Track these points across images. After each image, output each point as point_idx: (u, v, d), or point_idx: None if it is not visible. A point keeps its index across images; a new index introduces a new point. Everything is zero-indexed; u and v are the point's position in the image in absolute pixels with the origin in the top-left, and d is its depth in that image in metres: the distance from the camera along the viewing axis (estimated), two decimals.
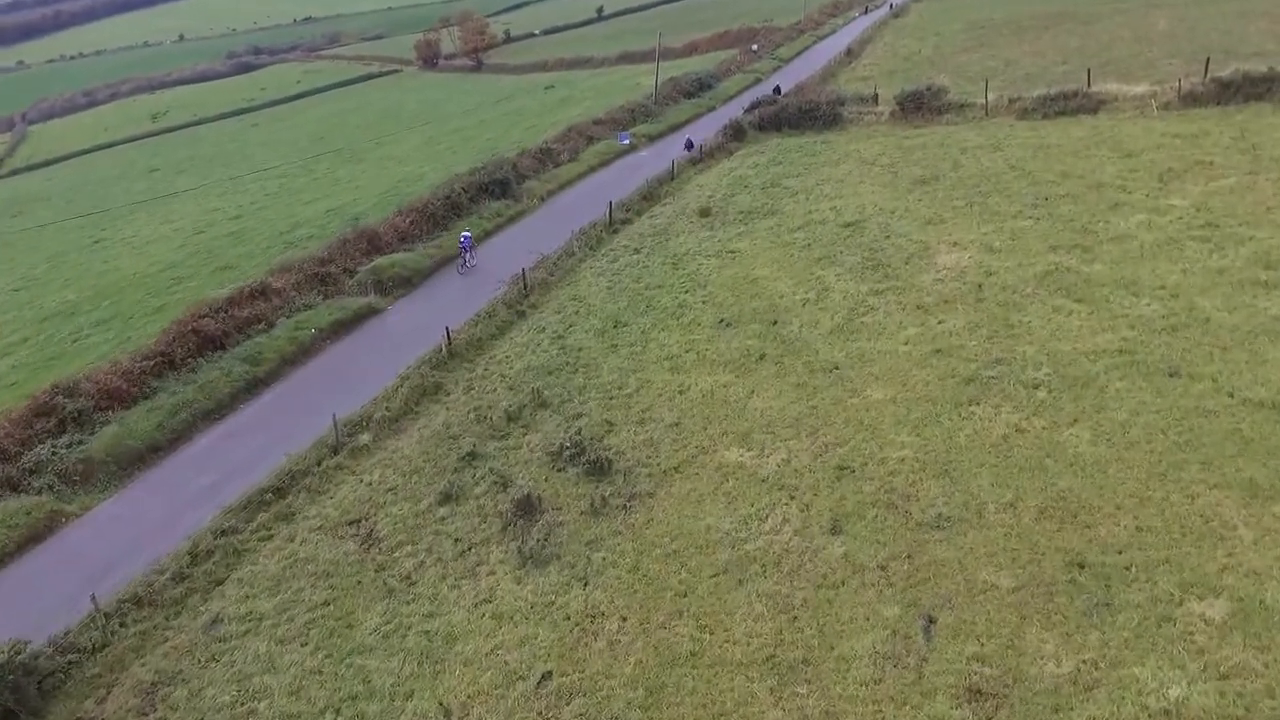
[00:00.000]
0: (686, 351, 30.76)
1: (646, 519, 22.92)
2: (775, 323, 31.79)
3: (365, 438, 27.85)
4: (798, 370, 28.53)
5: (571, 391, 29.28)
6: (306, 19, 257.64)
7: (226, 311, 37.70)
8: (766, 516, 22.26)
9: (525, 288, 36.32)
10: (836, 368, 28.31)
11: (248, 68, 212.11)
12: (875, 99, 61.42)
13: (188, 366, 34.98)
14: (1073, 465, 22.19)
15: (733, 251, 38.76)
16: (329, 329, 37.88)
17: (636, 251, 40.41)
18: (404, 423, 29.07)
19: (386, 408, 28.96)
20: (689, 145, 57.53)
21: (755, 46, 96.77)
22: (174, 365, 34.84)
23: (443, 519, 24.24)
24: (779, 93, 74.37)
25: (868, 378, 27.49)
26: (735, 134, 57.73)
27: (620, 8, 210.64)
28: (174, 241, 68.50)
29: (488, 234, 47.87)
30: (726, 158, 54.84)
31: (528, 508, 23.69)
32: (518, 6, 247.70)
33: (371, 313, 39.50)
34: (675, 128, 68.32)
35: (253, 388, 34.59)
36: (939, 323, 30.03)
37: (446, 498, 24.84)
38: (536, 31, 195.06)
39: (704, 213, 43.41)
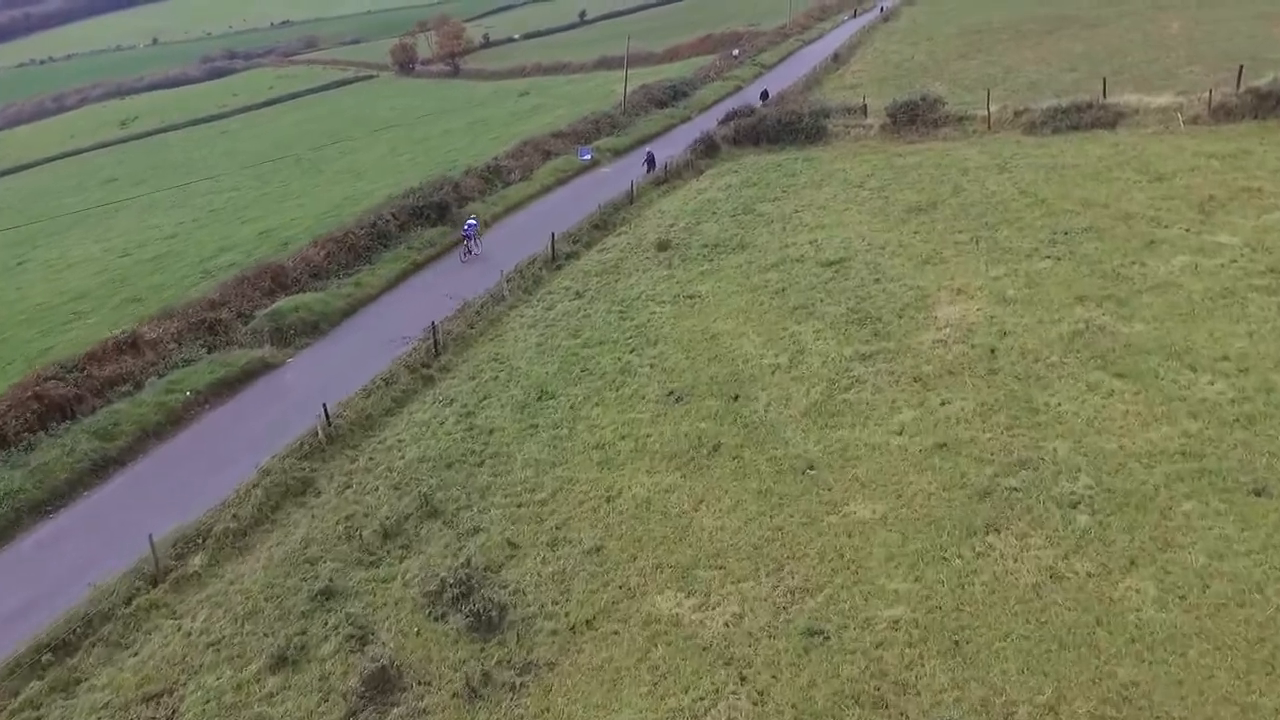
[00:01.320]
0: (623, 438, 24.13)
1: (540, 709, 16.28)
2: (737, 398, 25.19)
3: (197, 561, 21.19)
4: (761, 469, 21.92)
5: (472, 495, 22.61)
6: (284, 23, 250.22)
7: (83, 370, 31.03)
8: (706, 713, 15.63)
9: (436, 345, 29.62)
10: (811, 467, 21.71)
11: (222, 72, 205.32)
12: (864, 110, 54.90)
13: (21, 443, 28.29)
14: (1135, 641, 15.64)
15: (692, 297, 32.16)
16: (208, 390, 31.24)
17: (579, 296, 33.76)
18: (254, 537, 22.35)
19: (234, 516, 22.27)
20: (649, 163, 50.92)
21: (736, 52, 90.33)
22: (3, 442, 28.12)
23: (270, 696, 17.58)
24: (766, 98, 68.06)
25: (851, 484, 20.89)
26: (707, 150, 51.15)
27: (604, 12, 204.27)
28: (95, 266, 61.70)
29: (418, 266, 41.21)
30: (695, 177, 48.25)
31: (383, 684, 17.07)
32: (500, 10, 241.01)
33: (265, 368, 32.84)
34: (644, 140, 61.74)
35: (102, 469, 27.90)
36: (942, 403, 23.45)
37: (281, 661, 18.19)
38: (516, 36, 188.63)
39: (662, 246, 36.81)
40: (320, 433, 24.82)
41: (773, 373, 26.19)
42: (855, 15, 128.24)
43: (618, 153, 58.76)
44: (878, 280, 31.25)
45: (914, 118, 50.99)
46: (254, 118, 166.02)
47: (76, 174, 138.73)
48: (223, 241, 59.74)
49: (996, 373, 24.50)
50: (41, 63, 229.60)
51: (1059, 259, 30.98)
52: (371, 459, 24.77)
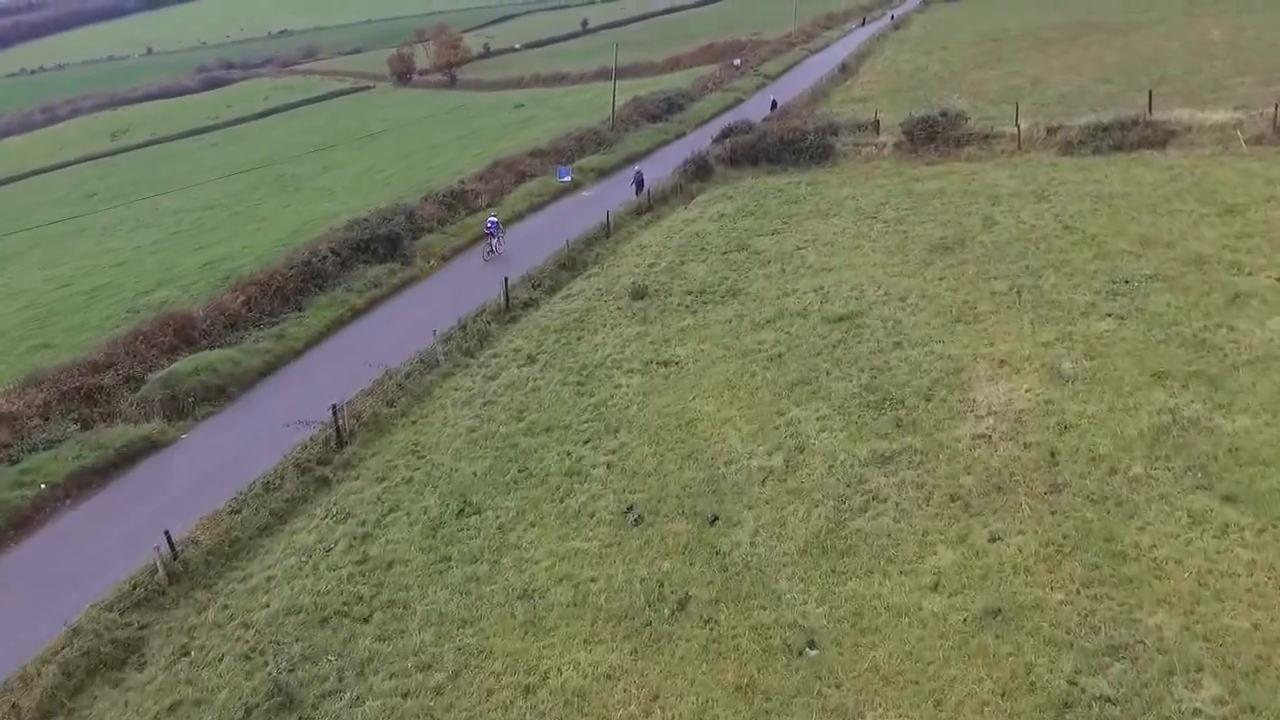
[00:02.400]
0: (560, 580, 17.76)
1: None
2: (715, 520, 18.78)
3: None
4: (741, 644, 15.54)
5: (345, 672, 16.24)
6: (282, 32, 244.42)
7: None
8: None
9: (339, 435, 23.22)
10: (811, 645, 15.32)
11: (218, 83, 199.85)
12: (876, 126, 48.49)
13: None
14: None
15: (668, 363, 25.76)
16: (69, 482, 24.98)
17: (530, 360, 27.37)
18: None
19: (13, 708, 15.88)
20: (638, 184, 44.58)
21: (737, 62, 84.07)
22: None
23: None
24: (775, 107, 61.82)
25: (867, 677, 14.51)
26: (698, 171, 44.81)
27: (606, 21, 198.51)
28: (26, 299, 55.53)
29: (357, 312, 34.92)
30: (684, 205, 41.88)
31: None
32: (502, 20, 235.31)
33: (149, 449, 26.53)
34: (632, 159, 55.42)
35: None
36: (991, 538, 17.04)
37: None
38: (518, 46, 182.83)
39: (638, 294, 30.44)
40: (160, 569, 18.45)
41: (764, 480, 19.77)
42: (864, 24, 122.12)
43: (602, 173, 52.46)
44: (898, 344, 24.81)
45: (933, 135, 44.60)
46: (247, 130, 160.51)
47: (58, 188, 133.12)
48: (165, 273, 53.63)
49: (1061, 490, 18.08)
50: (32, 72, 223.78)
51: (1123, 318, 24.55)
52: (226, 607, 18.38)
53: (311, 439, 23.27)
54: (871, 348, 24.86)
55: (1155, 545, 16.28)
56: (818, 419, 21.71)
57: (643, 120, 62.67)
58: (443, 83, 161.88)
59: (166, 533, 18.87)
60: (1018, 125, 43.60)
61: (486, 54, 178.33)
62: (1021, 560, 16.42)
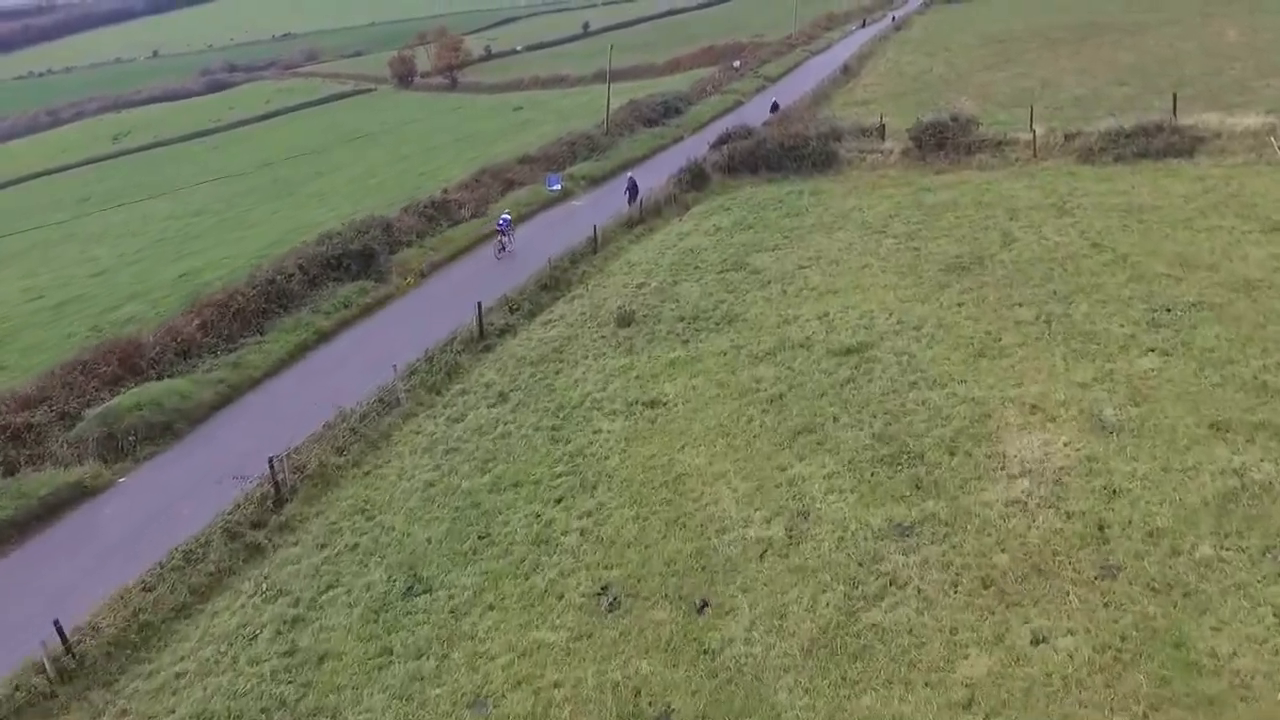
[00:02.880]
0: (518, 684, 14.61)
1: None
2: (704, 608, 15.63)
3: None
4: None
5: None
6: (285, 35, 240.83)
7: None
8: None
9: (278, 490, 20.03)
10: None
11: (221, 86, 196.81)
12: (882, 131, 45.24)
13: None
14: None
15: (655, 404, 22.56)
16: None
17: (502, 398, 24.16)
18: None
19: None
20: (631, 191, 41.28)
21: (737, 64, 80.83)
22: None
23: None
24: (776, 110, 58.62)
25: None
26: (694, 180, 41.59)
27: (608, 24, 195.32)
28: None
29: (323, 336, 31.80)
30: (678, 216, 38.67)
31: None
32: (504, 23, 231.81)
33: (80, 497, 23.40)
34: (627, 165, 52.12)
35: None
36: (1034, 641, 13.91)
37: None
38: (519, 48, 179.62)
39: (624, 320, 27.23)
40: (48, 666, 15.28)
41: (762, 555, 16.60)
42: (864, 25, 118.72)
43: (595, 181, 49.25)
44: (914, 384, 21.60)
45: (943, 142, 41.36)
46: (248, 132, 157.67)
47: (54, 192, 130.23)
48: (140, 285, 50.59)
49: (1115, 574, 14.92)
50: (40, 75, 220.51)
51: (1168, 354, 21.34)
52: (125, 714, 15.21)
53: (246, 497, 20.03)
54: (884, 387, 21.64)
55: (1235, 653, 13.12)
56: (824, 476, 18.52)
57: (639, 124, 59.44)
58: (443, 85, 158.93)
59: (56, 623, 15.67)
60: (1033, 131, 40.35)
61: (488, 56, 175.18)
62: (1073, 670, 13.27)
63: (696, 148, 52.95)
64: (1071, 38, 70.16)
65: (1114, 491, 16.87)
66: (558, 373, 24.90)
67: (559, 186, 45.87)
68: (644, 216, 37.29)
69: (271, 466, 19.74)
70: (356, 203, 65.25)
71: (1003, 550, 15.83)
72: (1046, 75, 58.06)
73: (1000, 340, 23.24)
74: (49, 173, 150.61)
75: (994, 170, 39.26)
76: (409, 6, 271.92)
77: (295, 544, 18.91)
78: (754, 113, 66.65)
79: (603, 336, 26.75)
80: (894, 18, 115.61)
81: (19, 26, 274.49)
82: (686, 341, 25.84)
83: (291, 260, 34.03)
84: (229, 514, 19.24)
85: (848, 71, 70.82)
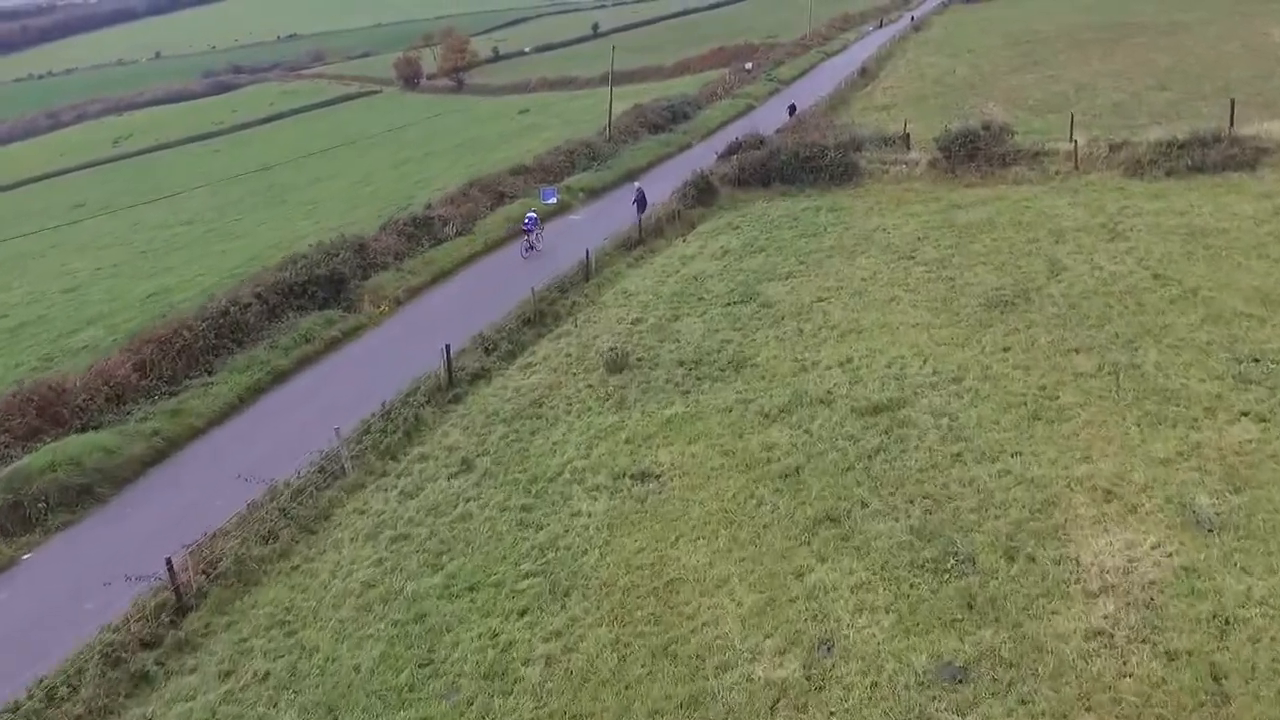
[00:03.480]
0: None
1: None
2: None
3: None
4: None
5: None
6: (291, 36, 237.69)
7: None
8: None
9: (180, 597, 16.31)
10: None
11: (225, 87, 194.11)
12: (906, 141, 41.39)
13: None
14: None
15: (646, 476, 18.81)
16: None
17: (467, 466, 20.40)
18: None
19: None
20: (639, 203, 37.62)
21: (749, 65, 77.02)
22: None
23: None
24: (794, 112, 55.05)
25: None
26: (700, 195, 37.86)
27: (617, 25, 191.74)
28: None
29: (279, 376, 28.18)
30: (682, 237, 34.92)
31: None
32: (512, 24, 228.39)
33: None
34: (630, 176, 48.50)
35: None
36: None
37: None
38: (527, 49, 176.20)
39: (615, 365, 23.48)
40: None
41: (773, 707, 12.84)
42: (881, 25, 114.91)
43: (594, 193, 45.57)
44: (958, 456, 17.80)
45: (974, 153, 37.50)
46: (251, 136, 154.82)
47: (51, 197, 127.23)
48: (108, 304, 47.12)
49: None
50: (40, 77, 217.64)
51: (1266, 420, 17.55)
52: None
53: (138, 607, 16.30)
54: (921, 460, 17.84)
55: None
56: (852, 588, 14.75)
57: (643, 131, 55.72)
58: (450, 87, 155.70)
59: None
60: (1074, 141, 36.41)
61: (496, 57, 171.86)
62: None
63: (705, 156, 49.28)
64: (1102, 38, 66.08)
65: (1226, 621, 13.08)
66: (534, 433, 21.16)
67: (555, 200, 42.22)
68: (643, 237, 33.55)
69: (170, 569, 16.01)
70: (347, 213, 61.87)
71: (1085, 709, 12.02)
72: (1079, 78, 54.07)
73: (1058, 398, 19.41)
74: (46, 177, 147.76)
75: (1031, 184, 35.41)
76: (416, 7, 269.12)
77: (193, 670, 15.18)
78: (767, 117, 62.93)
79: (590, 385, 22.99)
80: (912, 18, 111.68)
81: (18, 27, 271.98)
82: (687, 392, 22.08)
83: (249, 289, 30.42)
84: (114, 629, 15.49)
85: (866, 74, 66.94)
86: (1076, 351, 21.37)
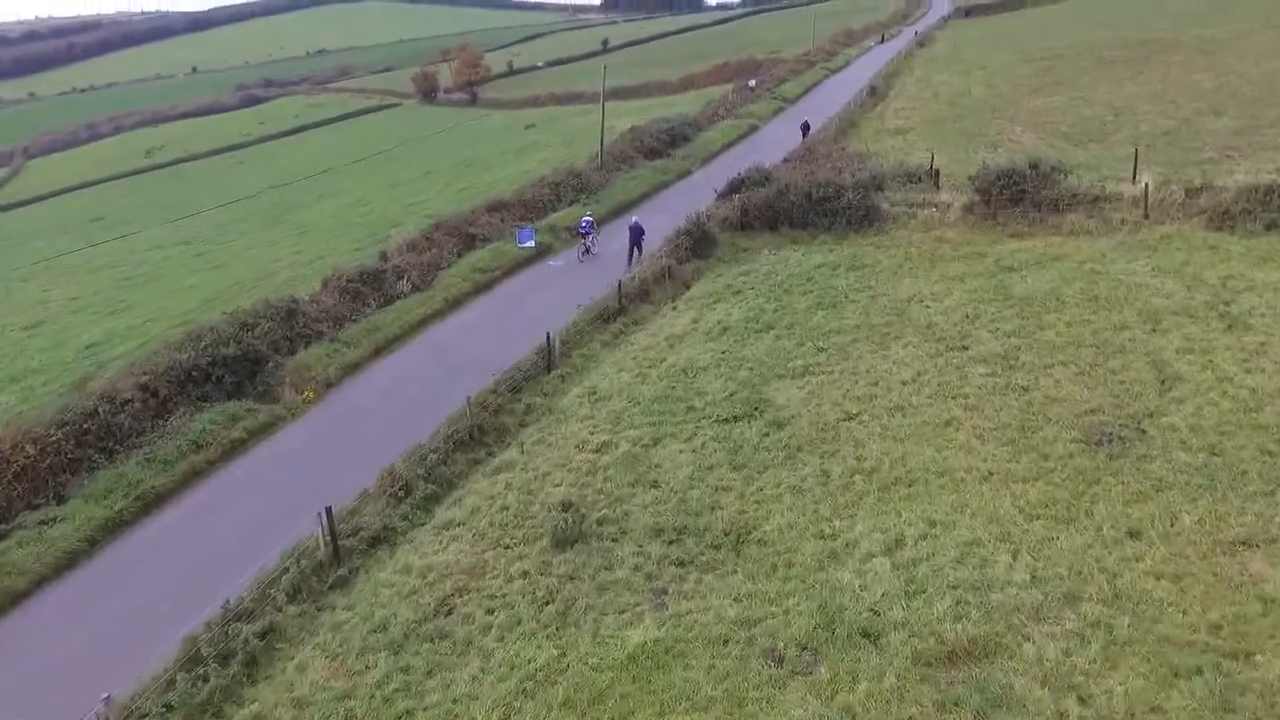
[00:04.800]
0: None
1: None
2: None
3: None
4: None
5: None
6: (319, 51, 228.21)
7: None
8: None
9: None
10: None
11: (254, 100, 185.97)
12: (935, 177, 32.67)
13: None
14: None
15: None
16: None
17: None
18: None
19: None
20: (634, 242, 29.63)
21: (752, 83, 68.14)
22: None
23: None
24: (807, 131, 46.82)
25: None
26: (696, 245, 29.28)
27: (626, 40, 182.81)
28: None
29: (150, 504, 19.78)
30: (672, 302, 26.32)
31: None
32: (528, 39, 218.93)
33: None
34: (621, 209, 39.98)
35: None
36: None
37: None
38: (540, 64, 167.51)
39: (565, 535, 15.01)
40: None
41: None
42: (883, 40, 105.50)
43: (578, 232, 36.81)
44: None
45: (1019, 196, 28.78)
46: (271, 148, 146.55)
47: (75, 209, 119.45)
48: (42, 355, 38.98)
49: None
50: (82, 91, 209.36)
51: None
52: None
53: None
54: None
55: None
56: None
57: (639, 156, 47.05)
58: (464, 101, 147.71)
59: None
60: (1144, 185, 27.58)
61: (511, 72, 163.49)
62: None
63: (704, 186, 40.85)
64: (1127, 56, 56.85)
65: None
66: (430, 674, 12.71)
67: (532, 243, 33.72)
68: (624, 304, 24.93)
69: None
70: (330, 241, 53.61)
71: None
72: (1112, 100, 45.06)
73: (1253, 656, 10.79)
74: (80, 187, 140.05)
75: (1093, 236, 26.71)
76: (437, 24, 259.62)
77: None
78: (772, 138, 54.23)
79: (525, 573, 14.50)
80: (916, 32, 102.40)
81: (64, 44, 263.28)
82: (663, 594, 13.60)
83: (130, 380, 22.10)
84: None
85: (875, 93, 57.93)
86: (1247, 546, 12.77)
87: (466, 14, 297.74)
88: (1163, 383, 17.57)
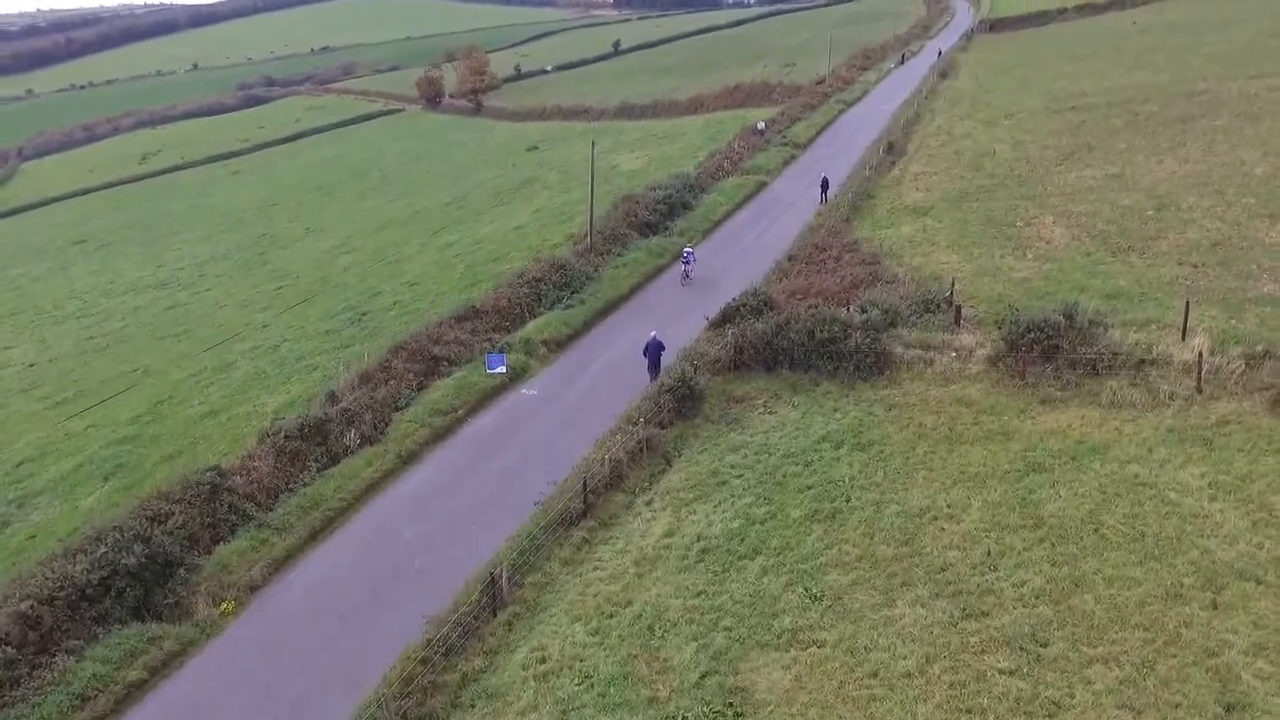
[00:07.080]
0: None
1: None
2: None
3: None
4: None
5: None
6: (324, 48, 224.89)
7: None
8: None
9: None
10: None
11: (256, 101, 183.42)
12: (957, 313, 29.41)
13: None
14: None
15: None
16: None
17: None
18: None
19: None
20: (653, 361, 26.94)
21: (761, 126, 64.71)
22: None
23: None
24: (826, 188, 44.13)
25: None
26: (681, 403, 26.11)
27: (637, 42, 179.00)
28: None
29: None
30: (645, 495, 23.17)
31: None
32: (537, 38, 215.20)
33: None
34: (611, 308, 37.01)
35: None
36: None
37: None
38: (548, 68, 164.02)
39: None
40: None
41: None
42: (903, 61, 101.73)
43: (560, 344, 33.96)
44: None
45: (1051, 351, 25.53)
46: (270, 156, 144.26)
47: (60, 223, 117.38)
48: None
49: None
50: (81, 88, 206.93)
51: None
52: None
53: None
54: None
55: None
56: None
57: (632, 233, 43.93)
58: (469, 109, 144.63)
59: None
60: (1197, 354, 24.25)
61: (517, 76, 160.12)
62: None
63: (704, 265, 38.16)
64: (1165, 116, 53.14)
65: None
66: None
67: (503, 368, 30.75)
68: (589, 504, 21.82)
69: None
70: (304, 311, 50.66)
71: None
72: (1152, 184, 41.58)
73: None
74: (68, 196, 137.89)
75: (1136, 410, 23.44)
76: (444, 21, 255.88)
77: None
78: (783, 197, 51.14)
79: None
80: (940, 52, 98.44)
81: (64, 39, 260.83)
82: None
83: (7, 610, 19.10)
84: None
85: (893, 150, 54.51)
86: None
87: (476, 10, 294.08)
88: (1227, 710, 14.37)
